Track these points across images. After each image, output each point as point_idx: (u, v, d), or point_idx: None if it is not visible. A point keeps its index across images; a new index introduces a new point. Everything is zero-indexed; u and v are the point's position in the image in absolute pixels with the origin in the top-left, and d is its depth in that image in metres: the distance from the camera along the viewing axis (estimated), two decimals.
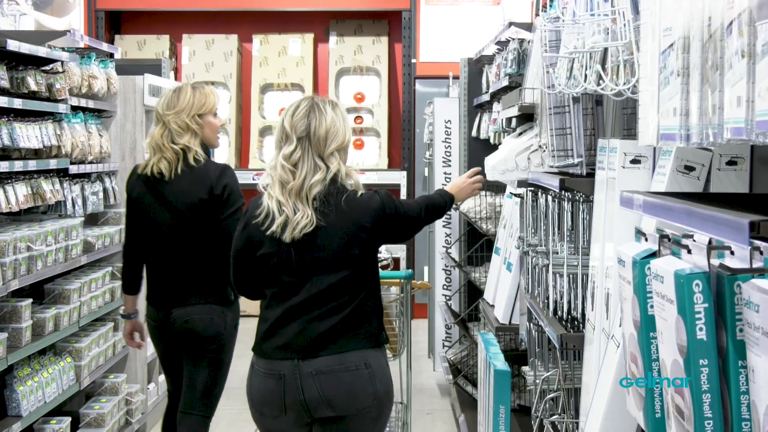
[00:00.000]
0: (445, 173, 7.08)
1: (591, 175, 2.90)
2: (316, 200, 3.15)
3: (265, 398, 3.22)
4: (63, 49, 5.04)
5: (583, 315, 2.89)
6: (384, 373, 3.25)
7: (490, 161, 4.08)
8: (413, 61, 9.60)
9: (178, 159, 4.08)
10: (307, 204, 3.14)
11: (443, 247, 7.04)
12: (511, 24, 5.21)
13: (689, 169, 2.24)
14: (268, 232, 3.17)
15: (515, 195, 4.21)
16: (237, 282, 3.37)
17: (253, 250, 3.24)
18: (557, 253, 3.12)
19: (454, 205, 3.93)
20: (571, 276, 2.99)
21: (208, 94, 4.20)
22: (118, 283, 5.50)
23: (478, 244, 6.03)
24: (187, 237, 4.11)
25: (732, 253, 1.54)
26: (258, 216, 3.20)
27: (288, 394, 3.18)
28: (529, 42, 4.72)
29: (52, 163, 4.69)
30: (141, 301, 4.39)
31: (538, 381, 3.45)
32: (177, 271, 4.15)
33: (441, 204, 3.57)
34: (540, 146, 3.63)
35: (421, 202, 3.52)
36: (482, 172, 3.89)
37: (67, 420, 4.76)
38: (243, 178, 9.39)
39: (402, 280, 4.10)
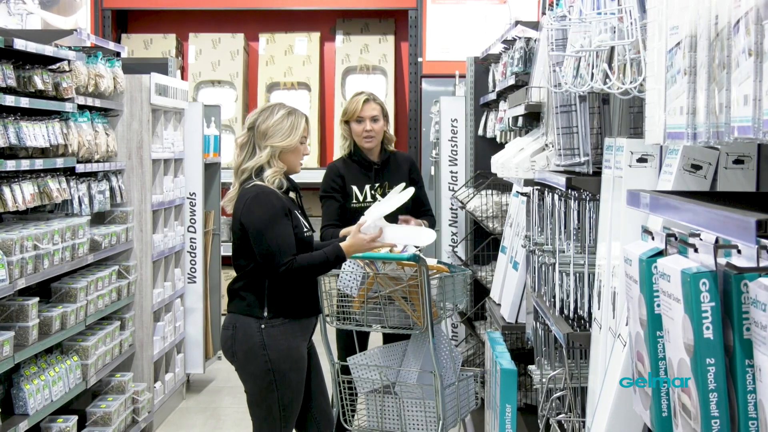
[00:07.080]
0: (451, 172, 7.08)
1: (597, 173, 2.89)
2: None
3: None
4: (70, 48, 5.04)
5: (590, 314, 2.88)
6: (248, 336, 3.75)
7: (498, 159, 4.07)
8: (419, 59, 9.60)
9: None
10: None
11: (449, 245, 7.03)
12: (517, 23, 5.21)
13: (696, 167, 2.23)
14: None
15: (522, 194, 4.21)
16: None
17: None
18: (564, 251, 3.11)
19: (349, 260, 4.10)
20: (577, 275, 2.99)
21: None
22: (125, 282, 5.52)
23: (484, 243, 6.03)
24: None
25: (739, 251, 1.54)
26: None
27: None
28: (535, 41, 4.72)
29: (59, 162, 4.70)
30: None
31: (544, 380, 3.45)
32: None
33: (322, 260, 3.79)
34: (546, 145, 3.62)
35: (305, 257, 3.75)
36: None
37: (74, 419, 4.77)
38: None
39: (416, 263, 4.15)
